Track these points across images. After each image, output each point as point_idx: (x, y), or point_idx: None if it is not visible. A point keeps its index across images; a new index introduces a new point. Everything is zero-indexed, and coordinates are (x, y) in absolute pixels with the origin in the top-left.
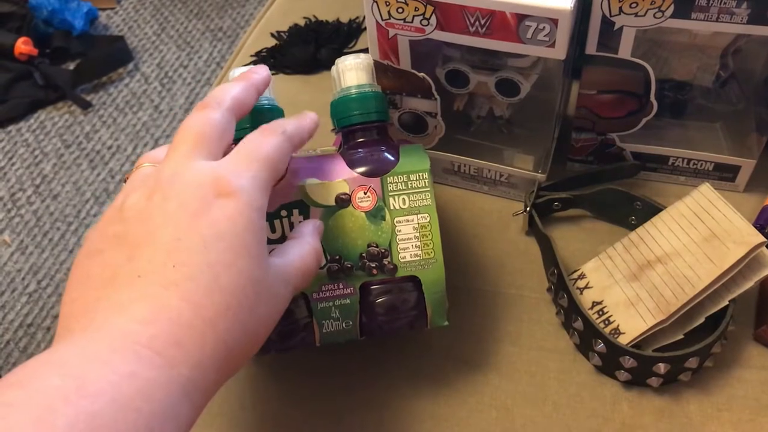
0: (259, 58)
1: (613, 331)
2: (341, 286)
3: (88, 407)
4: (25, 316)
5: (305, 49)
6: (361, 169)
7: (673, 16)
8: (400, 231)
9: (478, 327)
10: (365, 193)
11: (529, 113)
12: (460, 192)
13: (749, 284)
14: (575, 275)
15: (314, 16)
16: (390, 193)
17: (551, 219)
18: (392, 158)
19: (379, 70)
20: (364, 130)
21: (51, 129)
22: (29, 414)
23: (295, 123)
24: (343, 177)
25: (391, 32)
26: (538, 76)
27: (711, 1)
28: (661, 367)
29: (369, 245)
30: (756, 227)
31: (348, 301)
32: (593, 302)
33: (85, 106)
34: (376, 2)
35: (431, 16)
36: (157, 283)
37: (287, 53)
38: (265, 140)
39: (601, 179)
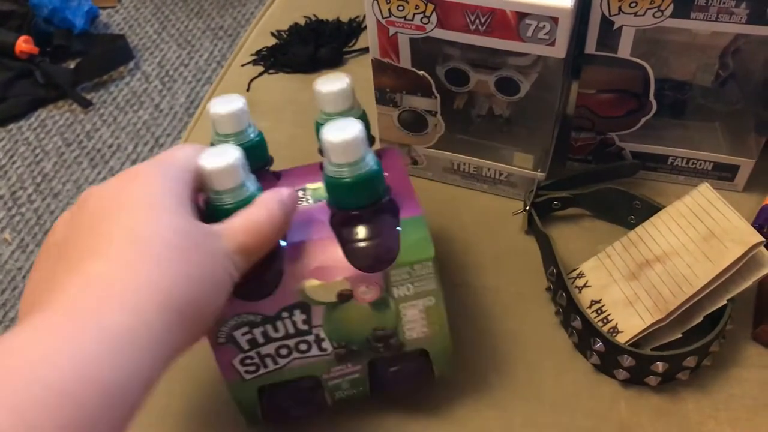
0: (259, 56)
1: (611, 330)
2: (349, 366)
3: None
4: None
5: (305, 48)
6: (362, 264)
7: (673, 15)
8: (405, 315)
9: (477, 325)
10: (368, 287)
11: (528, 112)
12: (459, 191)
13: (747, 284)
14: (574, 274)
15: (314, 15)
16: (393, 284)
17: (551, 218)
18: (393, 246)
19: (379, 68)
20: (361, 215)
21: (52, 127)
22: None
23: None
24: (343, 275)
25: (392, 30)
26: (537, 75)
27: (710, 1)
28: (660, 366)
29: (375, 329)
30: (755, 227)
31: (357, 375)
32: (592, 301)
33: (86, 104)
34: (377, 0)
35: (431, 14)
36: (83, 255)
37: (287, 52)
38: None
39: (600, 178)
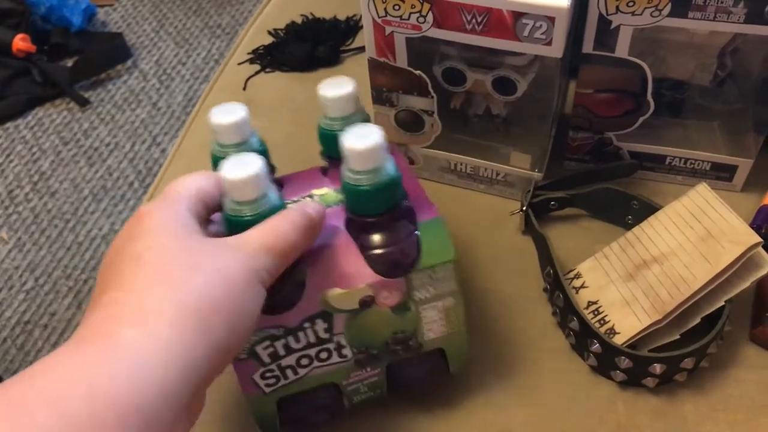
0: (256, 55)
1: (608, 331)
2: (368, 370)
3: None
4: (22, 313)
5: (302, 47)
6: (383, 270)
7: (671, 15)
8: (425, 316)
9: (474, 326)
10: (389, 292)
11: (526, 112)
12: (456, 190)
13: (745, 284)
14: (571, 275)
15: (311, 14)
16: (415, 287)
17: (548, 218)
18: (414, 250)
19: (376, 67)
20: (380, 221)
21: (49, 126)
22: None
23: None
24: (366, 282)
25: (388, 30)
26: (535, 75)
27: (708, 1)
28: (657, 368)
29: (394, 333)
30: (753, 227)
31: (376, 378)
32: (589, 302)
33: (83, 103)
34: (373, 0)
35: (428, 13)
36: (106, 287)
37: (284, 51)
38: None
39: (597, 178)
